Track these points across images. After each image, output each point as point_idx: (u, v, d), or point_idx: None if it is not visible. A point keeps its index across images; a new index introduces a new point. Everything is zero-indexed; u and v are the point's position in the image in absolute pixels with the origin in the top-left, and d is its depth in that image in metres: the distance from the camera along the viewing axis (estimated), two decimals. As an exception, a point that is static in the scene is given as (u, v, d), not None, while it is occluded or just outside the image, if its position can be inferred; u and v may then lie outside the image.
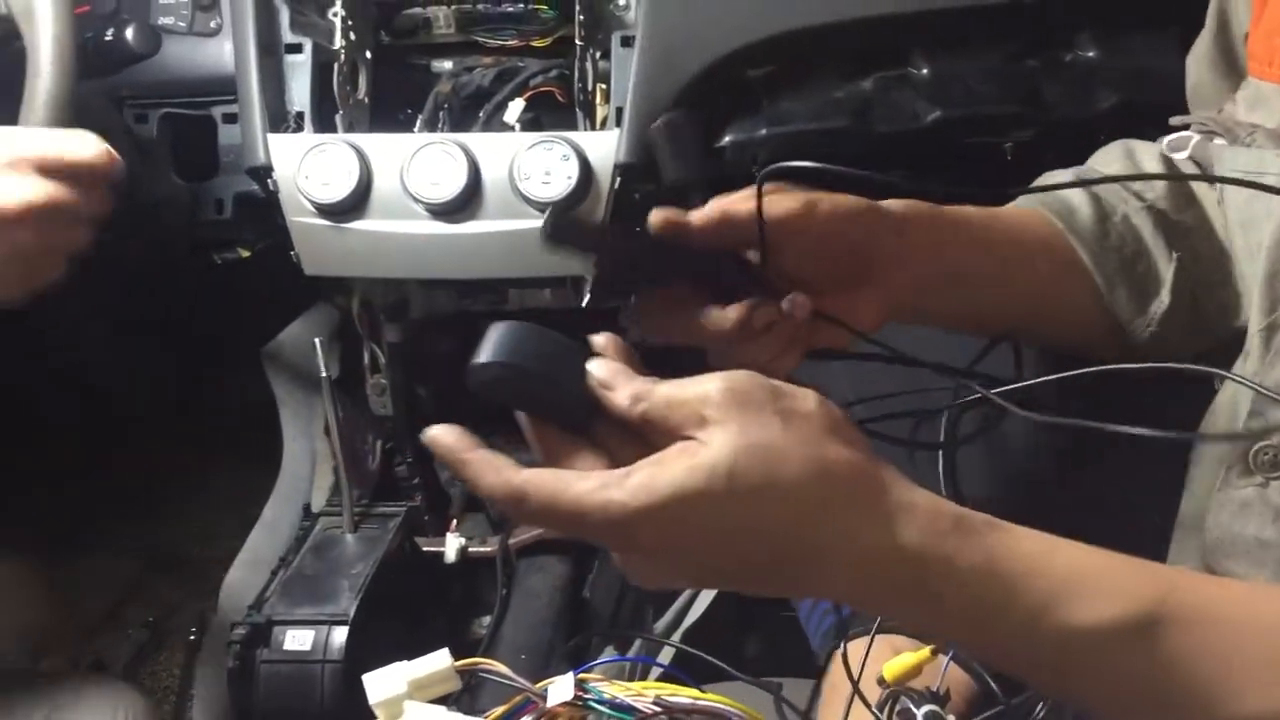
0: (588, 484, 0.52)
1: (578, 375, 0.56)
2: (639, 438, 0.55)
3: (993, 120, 1.15)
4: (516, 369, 0.56)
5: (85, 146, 0.85)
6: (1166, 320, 0.82)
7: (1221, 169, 0.79)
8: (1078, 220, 0.82)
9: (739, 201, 0.71)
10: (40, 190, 0.82)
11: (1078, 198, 0.83)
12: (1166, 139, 0.84)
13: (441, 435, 0.56)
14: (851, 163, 1.21)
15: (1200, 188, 0.85)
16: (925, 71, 1.16)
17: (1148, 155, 0.88)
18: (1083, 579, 0.54)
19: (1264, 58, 0.75)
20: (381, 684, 0.61)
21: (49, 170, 0.83)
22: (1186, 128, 0.82)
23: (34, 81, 0.94)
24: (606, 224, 0.70)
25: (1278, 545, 0.68)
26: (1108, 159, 0.91)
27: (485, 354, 0.56)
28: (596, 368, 0.57)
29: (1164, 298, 0.82)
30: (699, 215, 0.70)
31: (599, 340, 0.59)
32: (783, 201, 0.71)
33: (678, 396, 0.54)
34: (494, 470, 0.54)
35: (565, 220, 0.66)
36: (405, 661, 0.62)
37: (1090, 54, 1.16)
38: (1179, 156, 0.83)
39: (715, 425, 0.52)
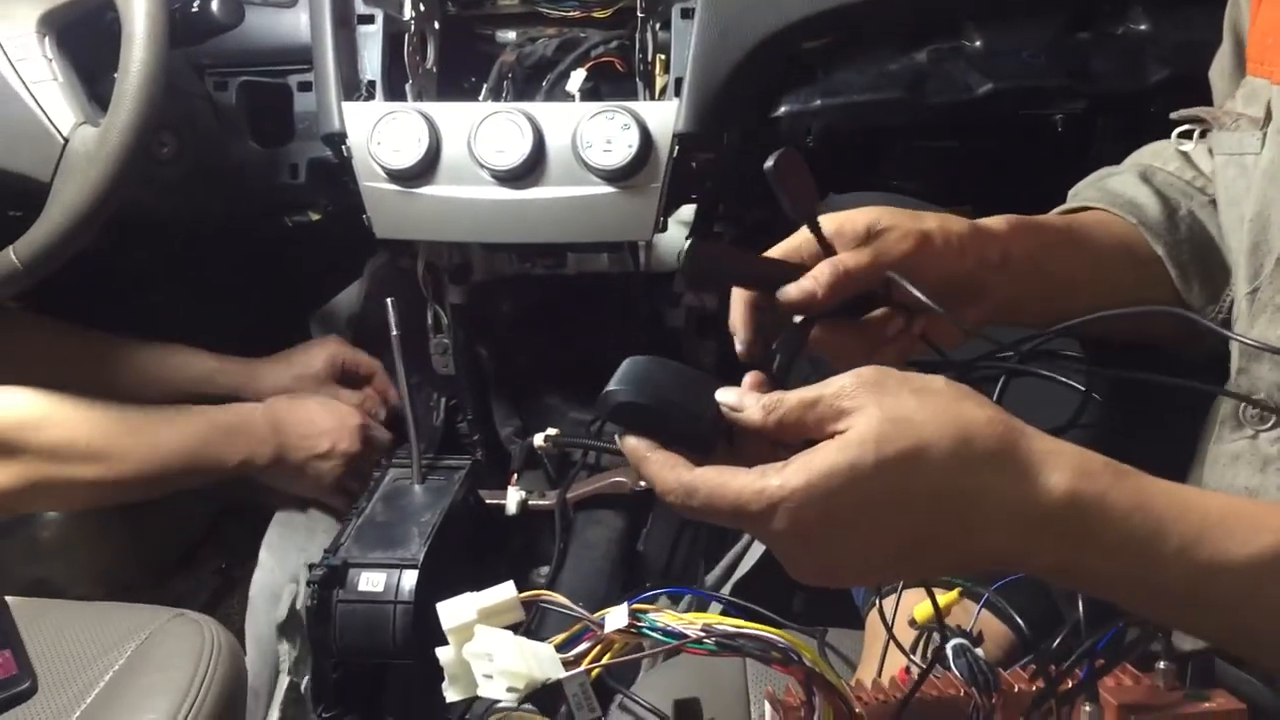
0: (749, 475, 0.55)
1: (707, 404, 0.59)
2: (776, 455, 0.57)
3: (1044, 93, 1.17)
4: (647, 406, 0.58)
5: None
6: (1234, 307, 0.83)
7: (1215, 152, 0.83)
8: (1148, 216, 0.84)
9: (850, 259, 0.71)
10: None
11: (1143, 196, 0.85)
12: (1175, 133, 0.88)
13: (629, 438, 0.59)
14: (905, 133, 1.26)
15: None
16: (978, 44, 1.19)
17: (1174, 153, 0.90)
18: (1235, 515, 0.57)
19: (1257, 56, 0.78)
20: (454, 611, 0.66)
21: None
22: (1185, 122, 0.86)
23: (128, 50, 1.00)
24: (750, 259, 0.71)
25: (1264, 492, 0.71)
26: (1141, 157, 0.94)
27: (617, 387, 0.59)
28: (725, 394, 0.59)
29: (1234, 285, 0.83)
30: (823, 289, 0.70)
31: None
32: (899, 244, 0.72)
33: (810, 396, 0.57)
34: (669, 468, 0.57)
35: (704, 262, 0.68)
36: (474, 593, 0.66)
37: (1141, 27, 1.17)
38: (1188, 148, 0.86)
39: (855, 411, 0.55)
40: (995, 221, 0.78)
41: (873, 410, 0.55)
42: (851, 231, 0.73)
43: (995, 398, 0.87)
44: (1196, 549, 0.55)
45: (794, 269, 0.70)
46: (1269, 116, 0.73)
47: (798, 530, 0.55)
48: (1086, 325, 0.80)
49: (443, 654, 0.65)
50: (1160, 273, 0.83)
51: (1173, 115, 0.86)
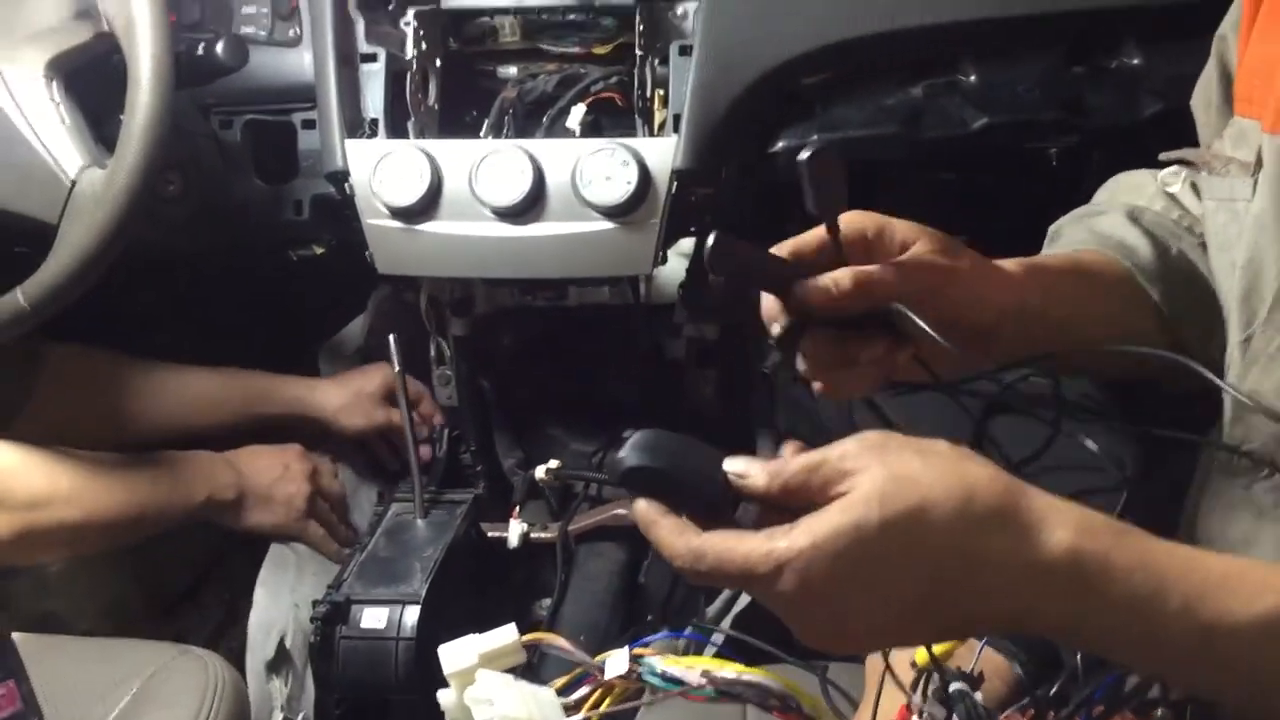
0: (756, 538, 0.56)
1: (716, 471, 0.60)
2: (782, 519, 0.58)
3: (1039, 126, 1.18)
4: (658, 471, 0.60)
5: None
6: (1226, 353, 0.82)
7: (1205, 197, 0.83)
8: (1141, 259, 0.84)
9: (876, 274, 0.70)
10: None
11: (1134, 238, 0.86)
12: (1160, 174, 0.88)
13: (640, 502, 0.60)
14: (901, 165, 1.27)
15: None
16: (973, 79, 1.20)
17: (1158, 189, 0.91)
18: (1236, 575, 0.57)
19: (1244, 95, 0.78)
20: (455, 655, 0.66)
21: None
22: (1176, 163, 0.86)
23: (134, 94, 1.01)
24: (767, 254, 0.71)
25: (1259, 543, 0.72)
26: (1118, 192, 0.94)
27: (630, 455, 0.60)
28: (731, 464, 0.60)
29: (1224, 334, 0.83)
30: (840, 294, 0.69)
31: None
32: (929, 274, 0.71)
33: (814, 459, 0.58)
34: (678, 533, 0.58)
35: (727, 253, 0.68)
36: (476, 635, 0.67)
37: (1134, 61, 1.18)
38: (1175, 189, 0.87)
39: (858, 472, 0.56)
40: (1011, 266, 0.78)
41: (876, 470, 0.56)
42: (888, 242, 0.72)
43: (975, 427, 0.89)
44: (1200, 608, 0.56)
45: (808, 272, 0.70)
46: (1259, 163, 0.73)
47: (805, 592, 0.55)
48: (1082, 362, 0.80)
49: (444, 697, 0.66)
50: (1155, 314, 0.83)
51: (1162, 156, 0.87)
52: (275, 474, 1.37)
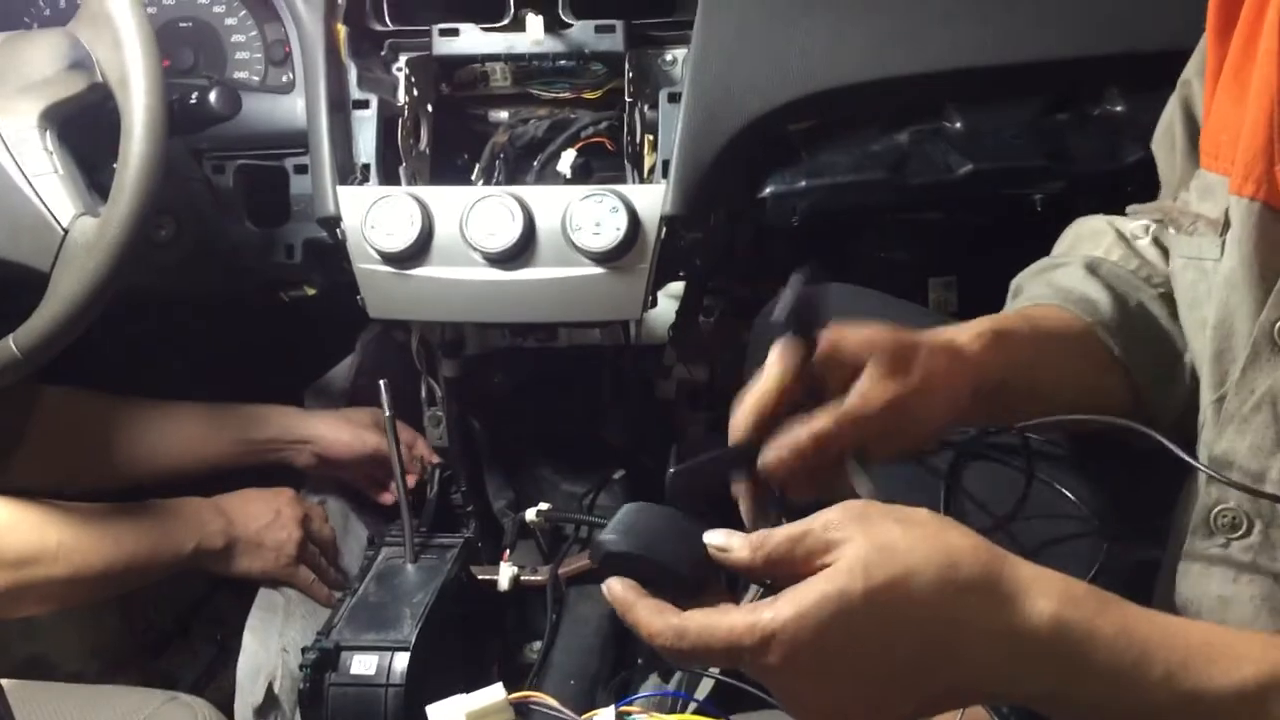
0: (739, 612, 0.57)
1: (695, 548, 0.61)
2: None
3: (1023, 173, 1.20)
4: (635, 556, 0.60)
5: None
6: (1187, 403, 0.84)
7: (1173, 255, 0.85)
8: (1102, 313, 0.85)
9: (824, 425, 0.72)
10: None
11: (1094, 291, 0.86)
12: (1126, 225, 0.90)
13: (614, 586, 0.61)
14: (889, 212, 1.29)
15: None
16: (958, 125, 1.21)
17: (1115, 237, 0.92)
18: (1216, 644, 0.58)
19: (1211, 151, 0.79)
20: (443, 715, 0.67)
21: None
22: (1143, 218, 0.88)
23: (127, 144, 1.02)
24: (723, 455, 0.74)
25: (1237, 602, 0.72)
26: (1078, 241, 0.95)
27: (609, 539, 0.61)
28: (712, 537, 0.61)
29: (1186, 381, 0.85)
30: (803, 450, 0.71)
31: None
32: (879, 405, 0.73)
33: (797, 531, 0.58)
34: (657, 613, 0.59)
35: (688, 486, 0.72)
36: (464, 695, 0.67)
37: (1118, 108, 1.20)
38: (1141, 243, 0.88)
39: (842, 543, 0.57)
40: (969, 342, 0.78)
41: (859, 540, 0.57)
42: (840, 361, 0.73)
43: (944, 486, 0.89)
44: (1181, 676, 0.56)
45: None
46: (1228, 223, 0.74)
47: (792, 663, 0.55)
48: (1047, 428, 0.81)
49: (432, 758, 0.66)
50: (1115, 368, 0.84)
51: (1129, 209, 0.88)
52: (265, 520, 1.37)
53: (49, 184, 1.05)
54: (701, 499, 0.69)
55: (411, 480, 1.42)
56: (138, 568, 1.25)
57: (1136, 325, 0.85)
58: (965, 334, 0.78)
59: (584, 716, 0.66)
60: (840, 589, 0.55)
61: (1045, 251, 1.00)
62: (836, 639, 0.55)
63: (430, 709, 0.67)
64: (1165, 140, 0.92)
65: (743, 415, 0.72)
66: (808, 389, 0.73)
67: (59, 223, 1.05)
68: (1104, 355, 0.84)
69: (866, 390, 0.72)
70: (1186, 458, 0.70)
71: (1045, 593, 0.57)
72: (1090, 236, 0.94)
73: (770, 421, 0.72)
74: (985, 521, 0.83)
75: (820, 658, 0.55)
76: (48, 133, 1.06)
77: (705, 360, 1.49)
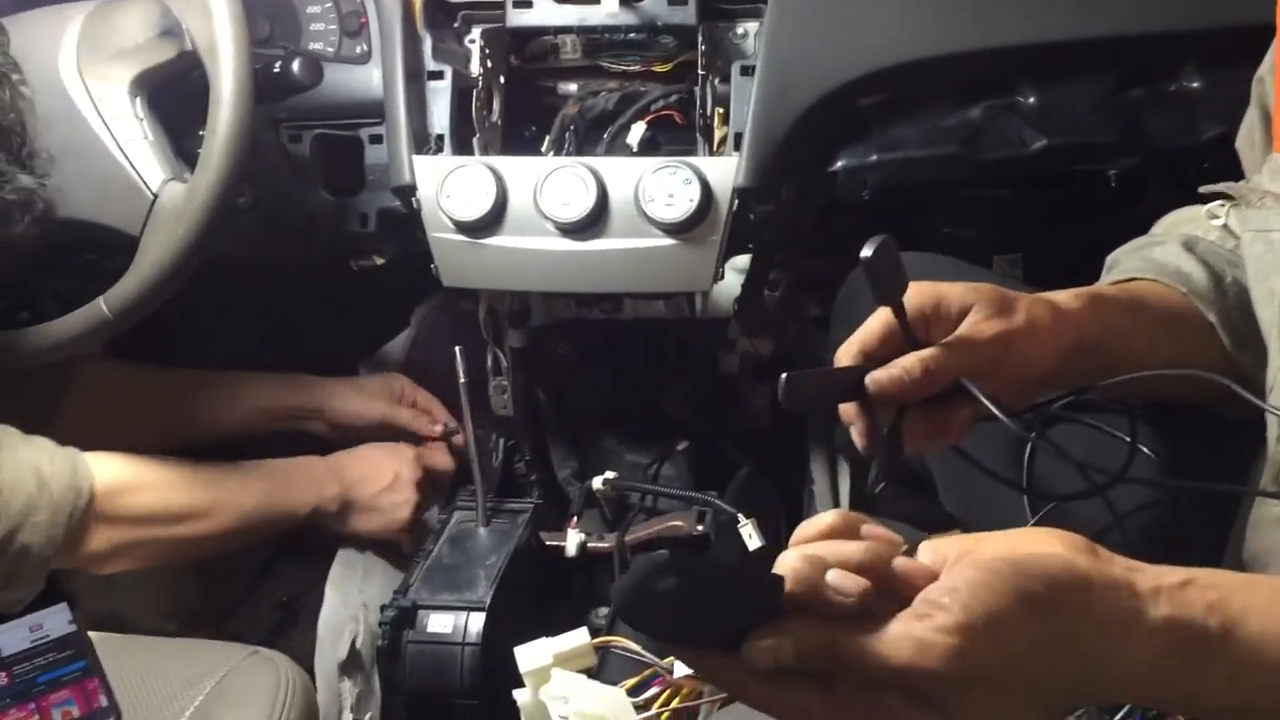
0: (896, 623, 0.52)
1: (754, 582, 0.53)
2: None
3: (1097, 149, 1.20)
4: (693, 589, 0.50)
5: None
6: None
7: (1242, 229, 0.85)
8: (1197, 285, 0.87)
9: (938, 358, 0.74)
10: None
11: (1189, 266, 0.88)
12: (1205, 208, 0.90)
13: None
14: (959, 183, 1.29)
15: None
16: (1032, 100, 1.21)
17: (1213, 222, 0.93)
18: None
19: None
20: (531, 656, 0.69)
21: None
22: (1214, 196, 0.88)
23: (216, 111, 1.04)
24: (834, 372, 0.76)
25: None
26: (1175, 224, 0.96)
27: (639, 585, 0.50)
28: (796, 558, 0.54)
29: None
30: (911, 381, 0.73)
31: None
32: (989, 345, 0.74)
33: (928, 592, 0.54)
34: (807, 626, 0.53)
35: (800, 389, 0.71)
36: (550, 638, 0.69)
37: (1194, 84, 1.20)
38: (1222, 220, 0.89)
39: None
40: (1069, 301, 0.80)
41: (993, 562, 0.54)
42: (945, 314, 0.76)
43: (1028, 453, 0.90)
44: None
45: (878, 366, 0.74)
46: None
47: (973, 672, 0.51)
48: (1137, 388, 0.82)
49: (520, 695, 0.68)
50: (1213, 340, 0.85)
51: (1202, 189, 0.89)
52: (383, 483, 1.38)
53: (139, 150, 1.08)
54: (810, 404, 0.69)
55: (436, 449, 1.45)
56: (253, 527, 1.28)
57: (1230, 299, 0.86)
58: (1063, 295, 0.80)
59: (665, 660, 0.67)
60: (1021, 589, 0.52)
61: (1114, 229, 1.01)
62: (1022, 641, 0.53)
63: (518, 650, 0.68)
64: (1247, 138, 0.93)
65: (847, 348, 0.74)
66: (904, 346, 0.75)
67: (149, 188, 1.07)
68: (1200, 325, 0.85)
69: (975, 323, 0.74)
70: (1266, 406, 0.71)
71: (1157, 594, 0.56)
72: (1188, 220, 0.96)
73: (875, 358, 0.73)
74: (1077, 485, 0.83)
75: (1004, 664, 0.52)
76: (138, 99, 1.09)
77: (770, 334, 1.49)
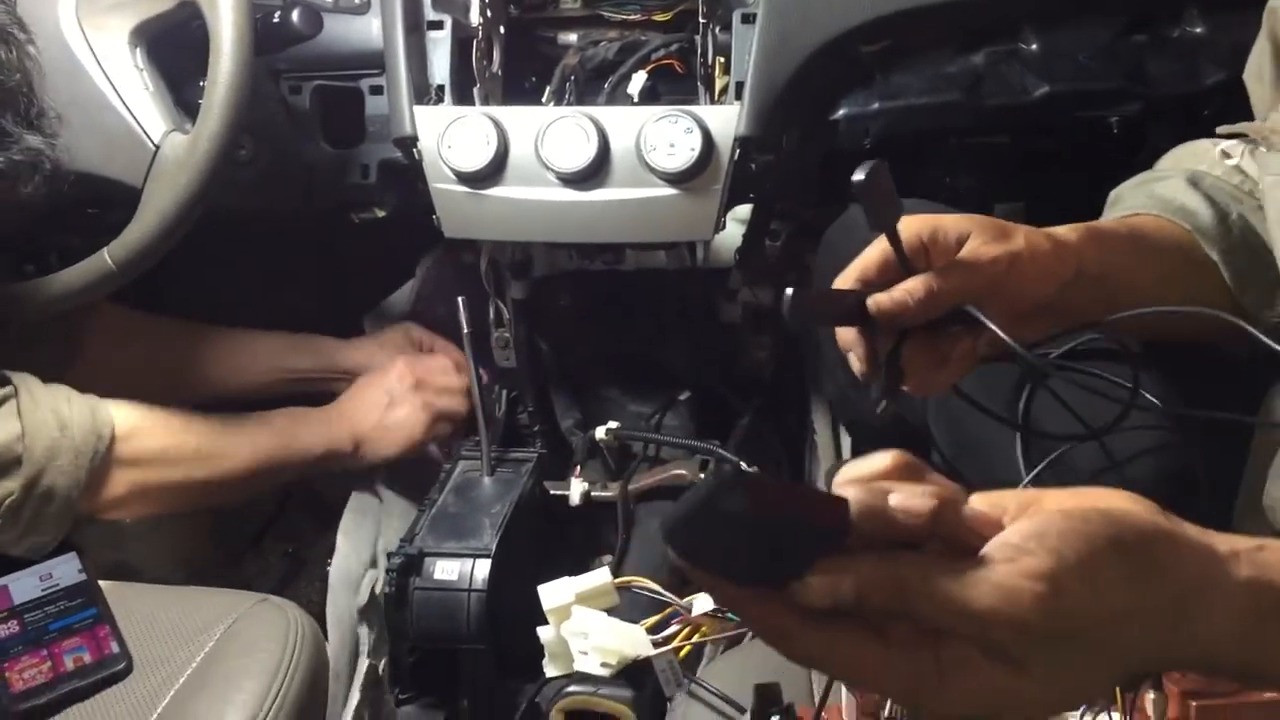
0: (982, 564, 0.48)
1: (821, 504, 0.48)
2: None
3: (1100, 95, 1.19)
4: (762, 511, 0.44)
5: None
6: None
7: (1262, 173, 0.85)
8: (1201, 221, 0.86)
9: (941, 280, 0.74)
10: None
11: (1194, 202, 0.87)
12: (1221, 144, 0.90)
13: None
14: (959, 131, 1.28)
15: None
16: (1035, 47, 1.20)
17: (1217, 156, 0.92)
18: None
19: None
20: (554, 594, 0.70)
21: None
22: (1232, 136, 0.88)
23: (217, 61, 1.04)
24: (836, 293, 0.75)
25: None
26: (1181, 159, 0.95)
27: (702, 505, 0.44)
28: (857, 488, 0.49)
29: None
30: (914, 303, 0.72)
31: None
32: (991, 267, 0.74)
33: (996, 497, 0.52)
34: (874, 561, 0.48)
35: (805, 306, 0.70)
36: (572, 577, 0.70)
37: (1197, 30, 1.19)
38: (1235, 161, 0.88)
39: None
40: (1067, 233, 0.80)
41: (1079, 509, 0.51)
42: (944, 242, 0.75)
43: (1027, 394, 0.90)
44: None
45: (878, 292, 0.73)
46: None
47: (1058, 615, 0.48)
48: (1141, 325, 0.82)
49: (543, 632, 0.69)
50: (1215, 277, 0.85)
51: (1219, 130, 0.89)
52: (381, 405, 1.38)
53: (140, 101, 1.08)
54: (812, 322, 0.68)
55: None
56: (269, 470, 1.28)
57: (1235, 235, 0.86)
58: (1061, 228, 0.80)
59: (685, 599, 0.68)
60: (1113, 534, 0.49)
61: (1116, 177, 1.01)
62: (1111, 588, 0.49)
63: (542, 588, 0.70)
64: (1255, 70, 0.92)
65: (844, 276, 0.74)
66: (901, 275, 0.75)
67: (150, 139, 1.07)
68: (1202, 261, 0.85)
69: (976, 247, 0.74)
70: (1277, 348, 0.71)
71: (1239, 556, 0.53)
72: (1193, 155, 0.95)
73: (874, 285, 0.73)
74: (1075, 429, 0.84)
75: (1089, 610, 0.49)
76: (138, 50, 1.09)
77: (771, 284, 1.50)
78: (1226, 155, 0.92)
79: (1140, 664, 0.52)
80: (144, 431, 1.18)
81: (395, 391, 1.39)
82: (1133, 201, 0.93)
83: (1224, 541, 0.54)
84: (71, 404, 1.11)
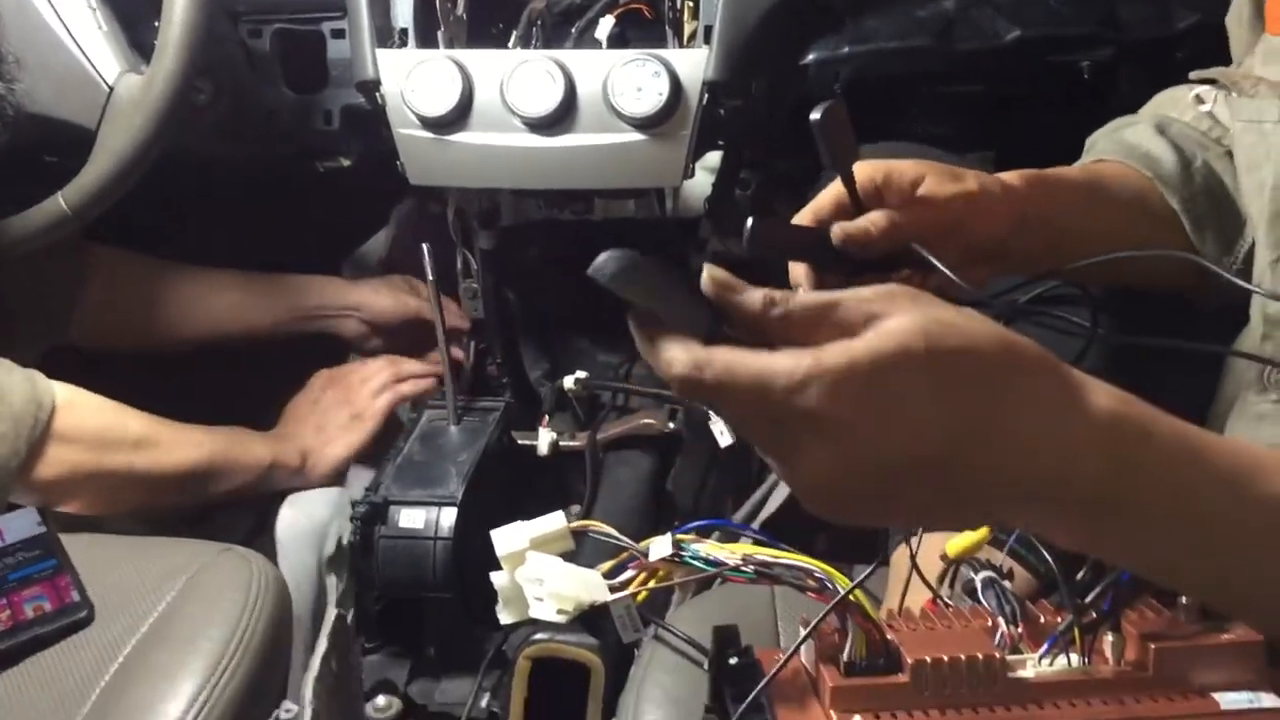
0: (776, 355, 0.49)
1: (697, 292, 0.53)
2: None
3: (1071, 40, 1.18)
4: (641, 262, 0.53)
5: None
6: (1249, 256, 0.85)
7: (1233, 118, 0.85)
8: (1163, 169, 0.86)
9: (899, 216, 0.74)
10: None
11: (1159, 148, 0.87)
12: (1191, 90, 0.89)
13: (631, 317, 0.54)
14: (929, 79, 1.27)
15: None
16: (1006, -10, 1.19)
17: (1190, 101, 0.92)
18: (1268, 457, 0.54)
19: (1276, 15, 0.79)
20: (507, 539, 0.69)
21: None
22: (1205, 82, 0.87)
23: (171, 1, 1.01)
24: (796, 229, 0.76)
25: None
26: (1161, 106, 0.95)
27: (617, 256, 0.53)
28: (716, 270, 0.53)
29: (1247, 236, 0.86)
30: (879, 230, 0.73)
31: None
32: (945, 206, 0.75)
33: (829, 297, 0.52)
34: (679, 342, 0.51)
35: (766, 237, 0.72)
36: (526, 521, 0.69)
37: (1169, -27, 1.18)
38: (1205, 108, 0.88)
39: (893, 314, 0.50)
40: (1014, 179, 0.80)
41: (916, 313, 0.50)
42: (898, 184, 0.75)
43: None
44: (1236, 481, 0.53)
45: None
46: None
47: (829, 413, 0.48)
48: (1099, 271, 0.82)
49: (497, 579, 0.68)
50: (1174, 225, 0.85)
51: (1192, 75, 0.88)
52: (315, 414, 1.37)
53: (94, 41, 1.06)
54: (771, 253, 0.69)
55: (457, 353, 1.44)
56: (212, 472, 1.26)
57: (1197, 183, 0.86)
58: (1011, 174, 0.80)
59: (641, 544, 0.67)
60: (901, 345, 0.49)
61: (1087, 124, 1.00)
62: (887, 396, 0.49)
63: (495, 533, 0.69)
64: (1235, 13, 0.91)
65: (800, 216, 0.75)
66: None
67: (104, 80, 1.05)
68: (1163, 210, 0.85)
69: (931, 187, 0.75)
70: (1248, 286, 0.71)
71: (1103, 390, 0.53)
72: (1170, 101, 0.95)
73: (829, 225, 0.74)
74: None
75: (863, 413, 0.49)
76: (91, -12, 1.06)
77: (740, 234, 1.48)
78: (1200, 100, 0.92)
79: (976, 488, 0.51)
80: (84, 409, 1.15)
81: (323, 399, 1.39)
82: (1101, 147, 0.93)
83: (1078, 372, 0.53)
84: (11, 374, 1.09)
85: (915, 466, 0.50)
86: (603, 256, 0.54)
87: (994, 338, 0.51)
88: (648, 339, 0.53)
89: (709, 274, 0.53)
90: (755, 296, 0.52)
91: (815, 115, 0.67)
